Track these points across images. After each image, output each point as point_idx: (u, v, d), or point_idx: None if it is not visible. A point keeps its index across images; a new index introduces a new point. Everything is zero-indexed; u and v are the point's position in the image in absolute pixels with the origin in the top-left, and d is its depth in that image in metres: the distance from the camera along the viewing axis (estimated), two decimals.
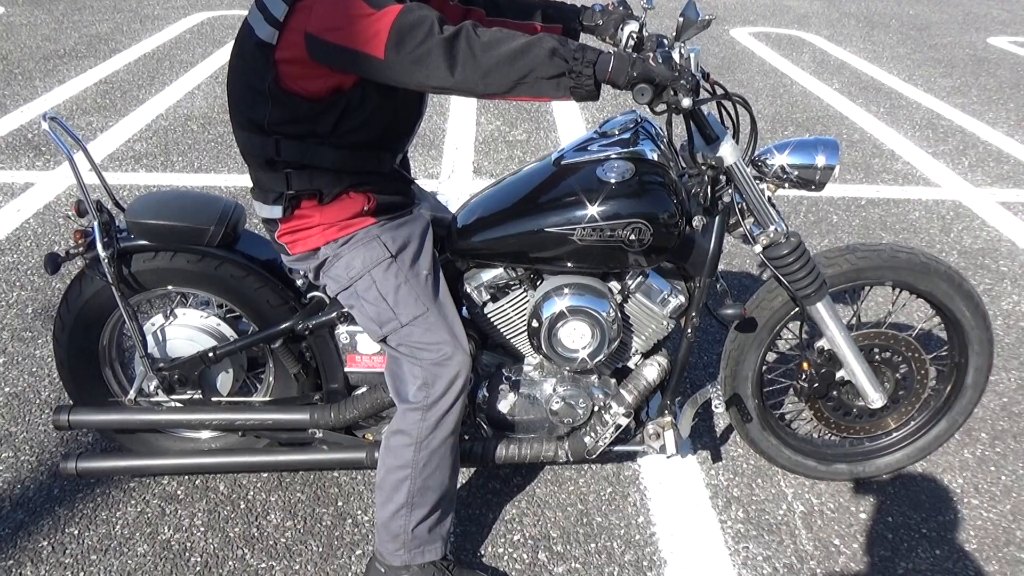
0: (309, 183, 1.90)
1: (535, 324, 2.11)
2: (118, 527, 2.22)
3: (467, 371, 1.93)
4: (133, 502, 2.30)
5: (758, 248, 2.10)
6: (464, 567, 2.07)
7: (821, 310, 2.16)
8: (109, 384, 2.31)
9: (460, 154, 4.93)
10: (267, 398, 2.32)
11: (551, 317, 2.08)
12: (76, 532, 2.20)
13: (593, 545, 2.24)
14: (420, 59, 1.62)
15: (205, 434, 2.38)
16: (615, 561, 2.19)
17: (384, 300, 1.94)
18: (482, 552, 2.20)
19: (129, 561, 2.11)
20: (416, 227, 2.03)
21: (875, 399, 2.25)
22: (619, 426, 2.18)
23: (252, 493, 2.36)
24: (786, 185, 2.07)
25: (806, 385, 2.28)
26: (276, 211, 1.94)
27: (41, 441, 2.52)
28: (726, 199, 2.06)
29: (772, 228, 2.07)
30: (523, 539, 2.25)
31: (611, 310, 2.09)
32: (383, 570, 2.01)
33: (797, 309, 2.20)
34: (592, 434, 2.19)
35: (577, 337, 2.10)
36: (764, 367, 2.36)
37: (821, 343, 2.26)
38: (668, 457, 2.14)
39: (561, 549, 2.22)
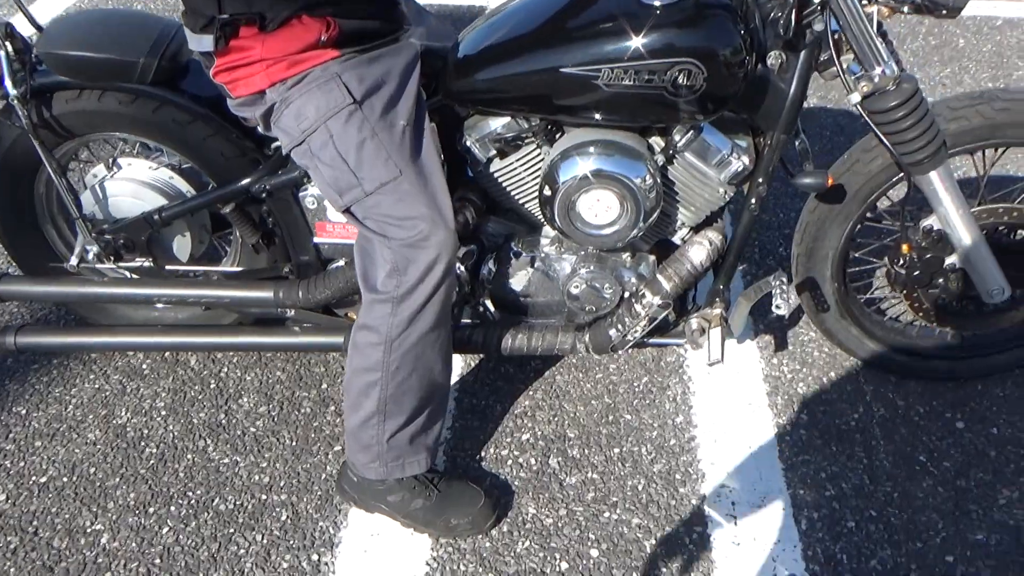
0: (247, 5, 1.43)
1: (548, 192, 1.63)
2: (71, 408, 1.95)
3: (450, 255, 1.50)
4: (92, 377, 2.02)
5: (855, 97, 1.53)
6: (453, 480, 1.73)
7: (935, 181, 1.62)
8: (54, 246, 1.98)
9: None
10: (235, 268, 1.95)
11: (570, 183, 1.60)
12: (24, 412, 1.94)
13: (617, 450, 1.87)
14: None
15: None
16: (641, 471, 1.82)
17: (344, 161, 1.49)
18: (482, 455, 1.86)
19: (76, 450, 1.85)
20: (396, 62, 1.54)
21: (995, 293, 1.73)
22: (653, 319, 1.75)
23: (226, 370, 2.05)
24: (906, 8, 1.47)
25: (903, 272, 1.76)
26: (207, 42, 1.48)
27: None
28: (817, 27, 1.47)
29: (879, 70, 1.49)
30: (533, 439, 1.90)
31: (648, 176, 1.59)
32: (356, 480, 1.70)
33: (901, 176, 1.66)
34: (619, 326, 1.76)
35: (601, 210, 1.63)
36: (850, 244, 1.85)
37: (929, 222, 1.73)
38: (710, 364, 1.71)
39: (577, 454, 1.86)
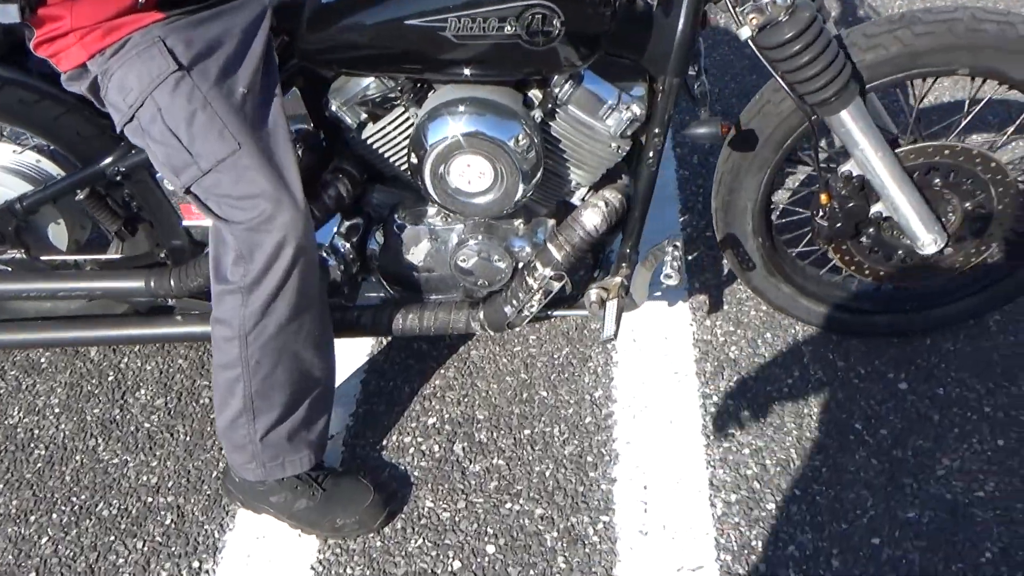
0: None
1: (415, 158, 1.48)
2: None
3: (299, 236, 1.35)
4: None
5: (745, 32, 1.35)
6: (342, 476, 1.61)
7: (847, 121, 1.43)
8: None
9: None
10: (115, 256, 1.82)
11: (437, 147, 1.44)
12: None
13: (527, 432, 1.74)
14: None
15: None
16: (551, 454, 1.69)
17: (175, 136, 1.34)
18: (383, 444, 1.74)
19: None
20: (236, 21, 1.38)
21: (928, 242, 1.55)
22: (549, 292, 1.59)
23: (126, 360, 1.94)
24: None
25: (825, 225, 1.59)
26: (12, 12, 1.33)
27: None
28: None
29: None
30: (439, 423, 1.77)
31: (523, 136, 1.43)
32: (238, 480, 1.59)
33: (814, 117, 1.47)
34: (514, 301, 1.61)
35: (474, 176, 1.47)
36: (772, 193, 1.68)
37: (848, 167, 1.54)
38: (603, 342, 1.56)
39: (485, 438, 1.73)
